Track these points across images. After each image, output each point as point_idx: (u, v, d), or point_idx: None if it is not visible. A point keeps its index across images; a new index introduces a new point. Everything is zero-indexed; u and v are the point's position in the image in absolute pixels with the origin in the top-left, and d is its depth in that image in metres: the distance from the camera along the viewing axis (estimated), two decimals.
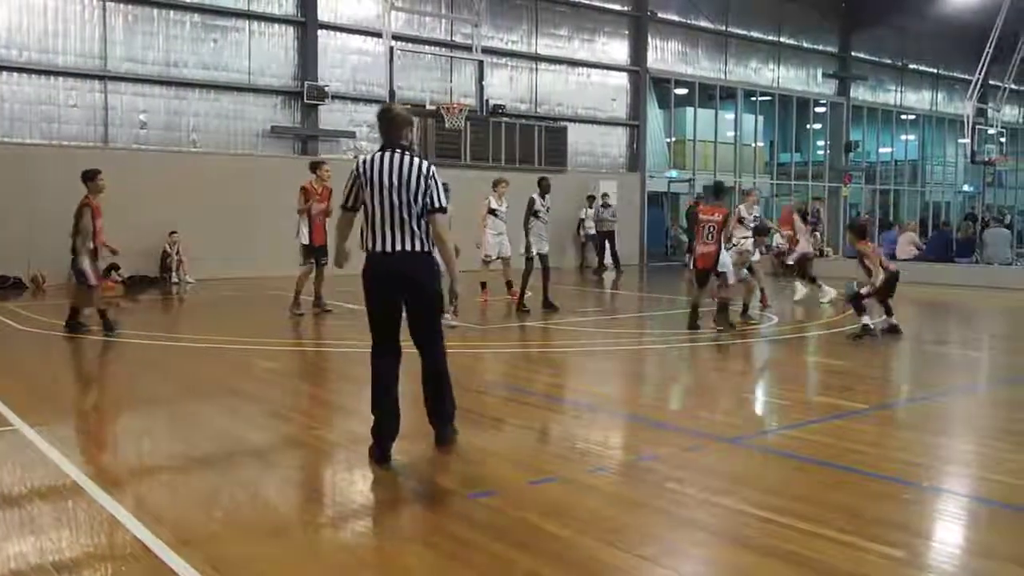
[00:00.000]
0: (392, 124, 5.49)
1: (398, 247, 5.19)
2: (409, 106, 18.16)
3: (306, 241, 12.88)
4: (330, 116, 20.54)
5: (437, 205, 5.32)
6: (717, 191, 12.24)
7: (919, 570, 3.90)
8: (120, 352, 9.81)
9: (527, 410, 6.96)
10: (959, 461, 5.79)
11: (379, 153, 5.33)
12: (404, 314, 5.35)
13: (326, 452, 5.88)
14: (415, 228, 5.23)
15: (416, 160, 5.38)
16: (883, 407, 7.28)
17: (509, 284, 13.63)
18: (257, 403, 7.21)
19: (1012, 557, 4.03)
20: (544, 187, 13.04)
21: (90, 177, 11.22)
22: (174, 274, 17.69)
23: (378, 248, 5.22)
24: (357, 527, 4.45)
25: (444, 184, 5.53)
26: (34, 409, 6.61)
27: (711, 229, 11.00)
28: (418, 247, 5.23)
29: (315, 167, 13.04)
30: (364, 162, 5.33)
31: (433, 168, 5.47)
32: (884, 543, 4.08)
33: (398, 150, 5.36)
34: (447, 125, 17.88)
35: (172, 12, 18.57)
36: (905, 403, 7.66)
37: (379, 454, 5.30)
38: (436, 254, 5.37)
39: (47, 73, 17.27)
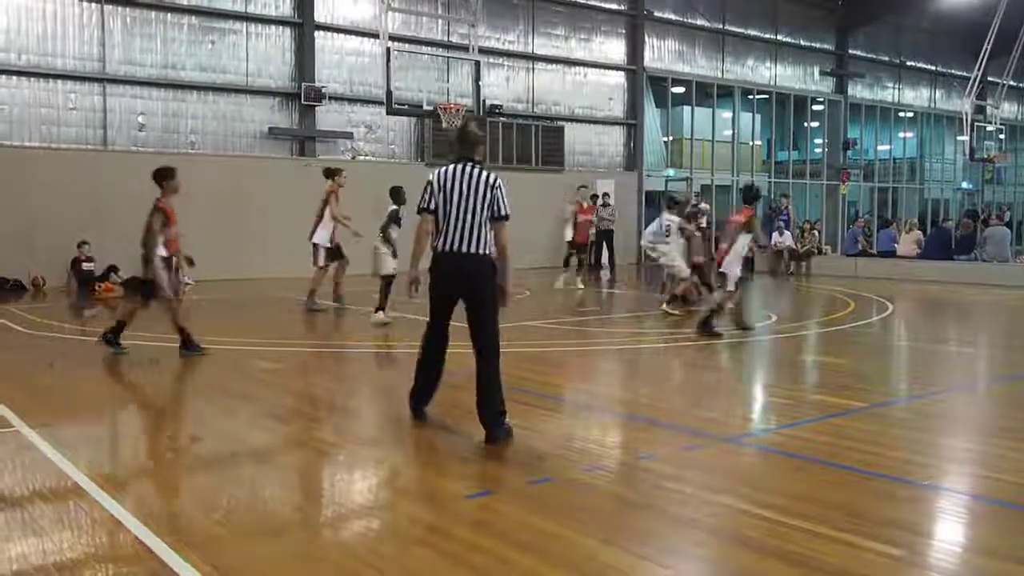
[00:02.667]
0: (464, 142, 6.47)
1: (464, 248, 5.89)
2: (406, 106, 18.22)
3: (330, 244, 13.32)
4: (327, 117, 20.55)
5: (502, 213, 6.01)
6: (748, 194, 11.81)
7: (919, 569, 3.92)
8: (120, 354, 9.80)
9: (525, 410, 6.96)
10: (959, 459, 5.81)
11: (453, 167, 6.21)
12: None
13: (326, 453, 5.89)
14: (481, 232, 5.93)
15: (484, 172, 6.19)
16: (882, 405, 7.29)
17: None
18: (257, 404, 7.22)
19: (1013, 555, 4.04)
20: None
21: (166, 176, 9.87)
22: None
23: (446, 248, 5.92)
24: (357, 528, 4.46)
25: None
26: (35, 411, 6.62)
27: (732, 231, 11.09)
28: (481, 250, 5.91)
29: (336, 173, 13.63)
30: (440, 173, 6.25)
31: (499, 179, 6.19)
32: (884, 542, 4.09)
33: (470, 164, 6.19)
34: (444, 125, 17.87)
35: (170, 15, 18.57)
36: (904, 401, 7.67)
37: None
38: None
39: (46, 76, 17.27)
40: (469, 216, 5.93)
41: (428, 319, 6.15)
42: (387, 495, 5.08)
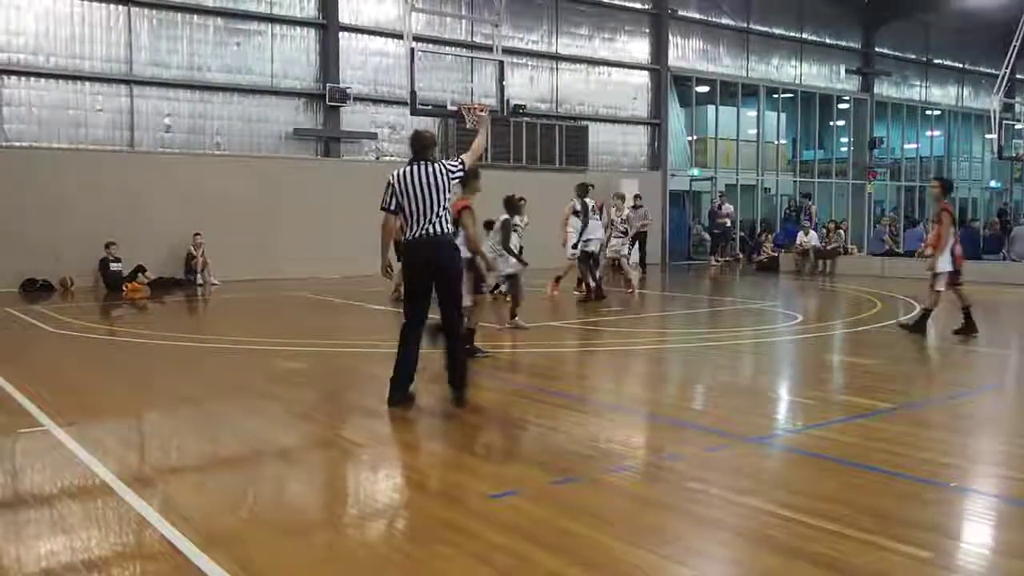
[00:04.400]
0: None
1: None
2: (430, 107, 18.24)
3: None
4: (352, 118, 20.64)
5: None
6: (951, 186, 11.35)
7: (947, 571, 3.87)
8: (147, 353, 9.90)
9: (550, 410, 6.96)
10: (987, 461, 5.74)
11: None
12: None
13: (350, 452, 5.91)
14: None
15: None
16: (909, 406, 7.22)
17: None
18: (282, 403, 7.26)
19: None
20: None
21: (475, 176, 9.97)
22: (199, 275, 17.84)
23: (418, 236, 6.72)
24: (381, 527, 4.47)
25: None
26: (64, 410, 6.69)
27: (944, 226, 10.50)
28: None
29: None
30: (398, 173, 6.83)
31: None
32: (911, 544, 4.05)
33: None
34: (468, 125, 17.88)
35: (195, 16, 18.73)
36: (932, 402, 7.59)
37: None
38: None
39: (74, 79, 17.47)
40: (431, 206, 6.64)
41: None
42: (411, 495, 5.09)
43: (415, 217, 6.63)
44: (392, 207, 6.74)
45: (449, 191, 6.74)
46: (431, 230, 6.62)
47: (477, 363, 8.58)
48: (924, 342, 10.58)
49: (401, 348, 6.81)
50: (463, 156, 7.02)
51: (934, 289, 10.65)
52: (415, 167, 6.71)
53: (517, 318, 10.97)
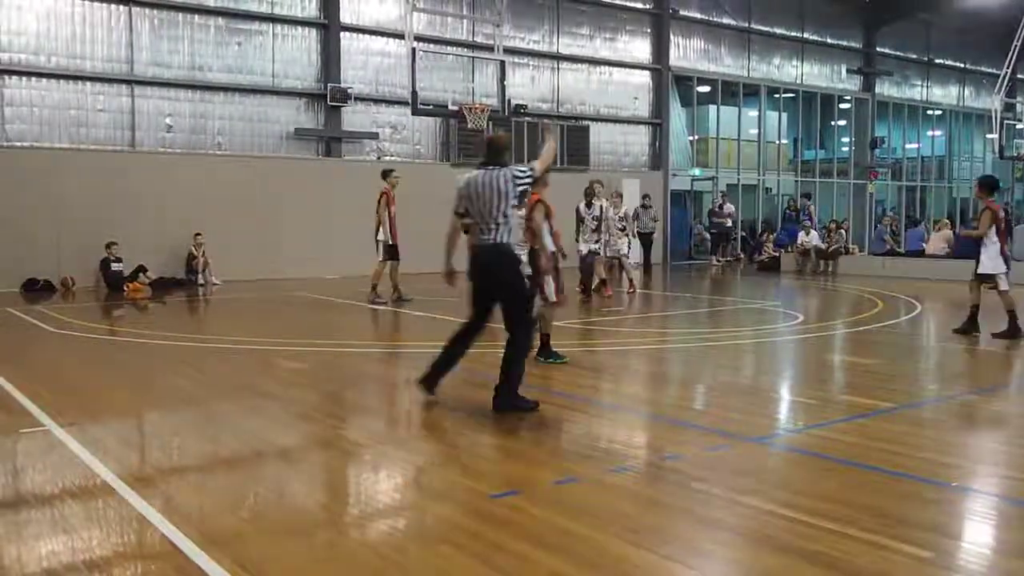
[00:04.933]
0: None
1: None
2: (431, 107, 18.26)
3: (392, 241, 14.06)
4: (353, 118, 20.64)
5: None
6: (992, 186, 11.07)
7: (948, 571, 3.87)
8: (148, 353, 9.91)
9: (551, 409, 6.96)
10: (988, 461, 5.74)
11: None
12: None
13: (351, 452, 5.91)
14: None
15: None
16: (910, 406, 7.22)
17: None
18: (283, 403, 7.27)
19: None
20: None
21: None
22: (200, 275, 17.84)
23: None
24: (382, 527, 4.47)
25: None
26: (65, 410, 6.70)
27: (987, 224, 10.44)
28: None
29: (389, 173, 14.36)
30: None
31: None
32: (912, 543, 4.05)
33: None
34: (469, 125, 17.89)
35: (196, 17, 18.73)
36: (933, 402, 7.58)
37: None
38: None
39: (75, 78, 17.48)
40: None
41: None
42: (412, 495, 5.09)
43: (477, 223, 6.67)
44: (461, 211, 6.81)
45: (513, 198, 6.61)
46: (489, 237, 6.61)
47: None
48: (925, 342, 10.56)
49: (447, 343, 6.94)
50: (533, 163, 6.84)
51: (1000, 291, 10.54)
52: (483, 172, 6.68)
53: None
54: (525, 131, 22.78)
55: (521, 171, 6.66)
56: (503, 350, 6.72)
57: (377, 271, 14.17)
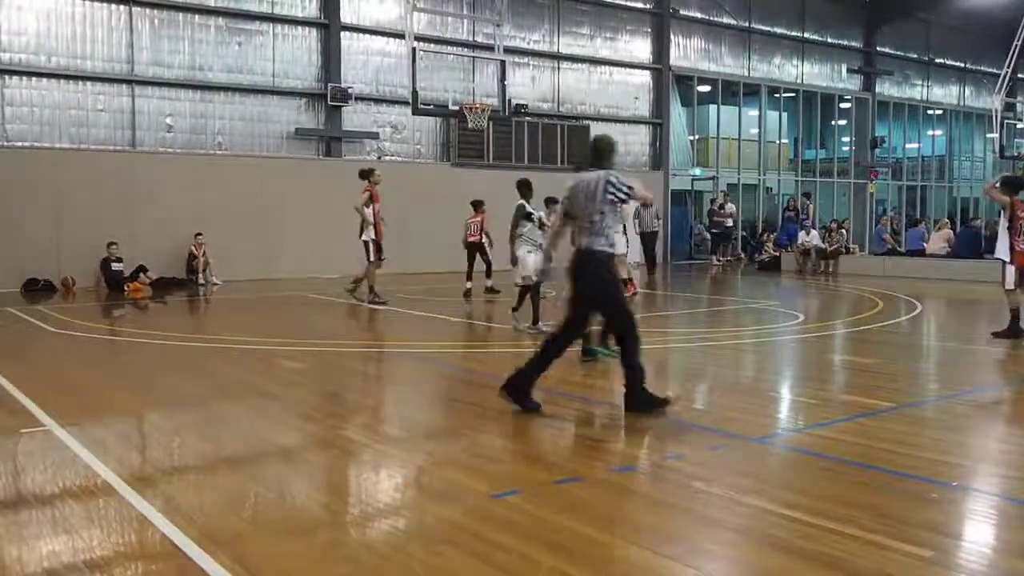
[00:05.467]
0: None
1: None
2: (432, 106, 18.27)
3: (375, 238, 13.92)
4: (354, 117, 20.65)
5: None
6: (1015, 184, 10.95)
7: (950, 570, 3.86)
8: (149, 353, 9.91)
9: (552, 409, 6.95)
10: (989, 460, 5.73)
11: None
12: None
13: (352, 452, 5.91)
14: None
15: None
16: (911, 405, 7.22)
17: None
18: (283, 403, 7.27)
19: None
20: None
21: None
22: (200, 275, 17.84)
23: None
24: (382, 527, 4.47)
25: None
26: (66, 409, 6.70)
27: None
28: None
29: (370, 173, 14.07)
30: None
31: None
32: (913, 543, 4.05)
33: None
34: (470, 125, 17.91)
35: (197, 16, 18.74)
36: (934, 401, 7.58)
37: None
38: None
39: (75, 78, 17.48)
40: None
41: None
42: (413, 494, 5.09)
43: (575, 226, 6.64)
44: (566, 212, 6.81)
45: (603, 204, 6.45)
46: (582, 240, 6.55)
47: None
48: (925, 341, 10.55)
49: (539, 349, 6.80)
50: (632, 182, 6.63)
51: (1005, 288, 10.58)
52: (584, 175, 6.64)
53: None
54: (525, 130, 22.79)
55: (619, 183, 6.48)
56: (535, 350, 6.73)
57: (370, 271, 14.14)
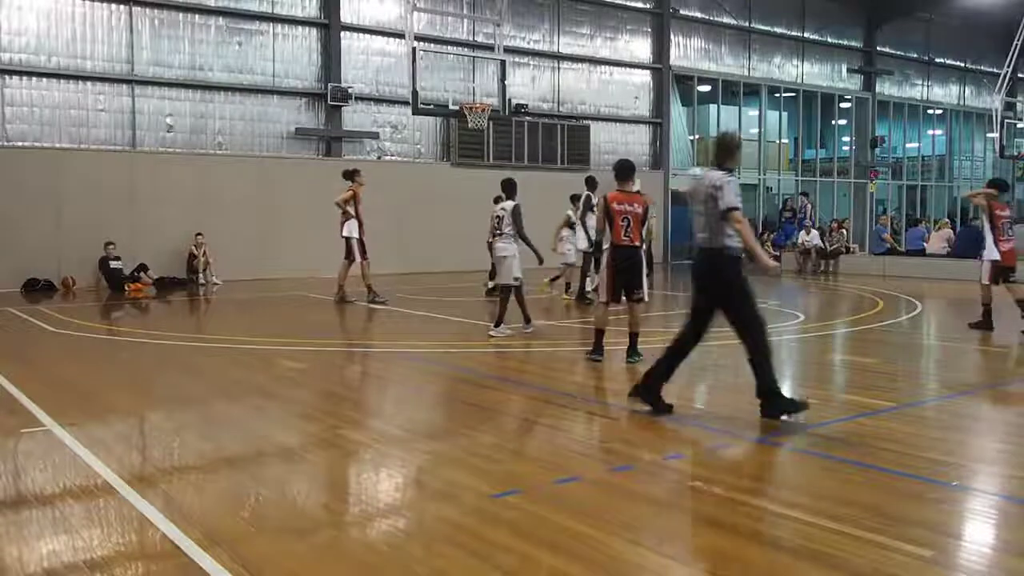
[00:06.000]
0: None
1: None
2: (432, 106, 18.26)
3: (358, 236, 13.94)
4: (354, 117, 20.65)
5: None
6: (1003, 187, 11.88)
7: (950, 570, 3.87)
8: (149, 353, 9.91)
9: (552, 409, 6.96)
10: (989, 459, 5.73)
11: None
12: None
13: (352, 452, 5.91)
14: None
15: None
16: (912, 405, 7.21)
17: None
18: (284, 403, 7.27)
19: None
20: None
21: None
22: (201, 275, 17.84)
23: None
24: (383, 526, 4.47)
25: None
26: (66, 409, 6.70)
27: (1008, 223, 11.14)
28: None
29: (355, 173, 14.19)
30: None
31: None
32: (914, 542, 4.05)
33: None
34: (470, 125, 17.90)
35: (197, 16, 18.74)
36: (934, 401, 7.58)
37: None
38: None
39: (75, 78, 17.48)
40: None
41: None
42: (413, 494, 5.09)
43: (696, 224, 6.52)
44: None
45: (711, 201, 6.31)
46: (702, 238, 6.44)
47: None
48: (926, 340, 10.56)
49: (667, 348, 6.65)
50: (737, 201, 6.35)
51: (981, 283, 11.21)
52: (703, 172, 6.60)
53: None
54: (525, 130, 22.78)
55: (726, 189, 6.30)
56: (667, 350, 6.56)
57: (364, 271, 14.11)
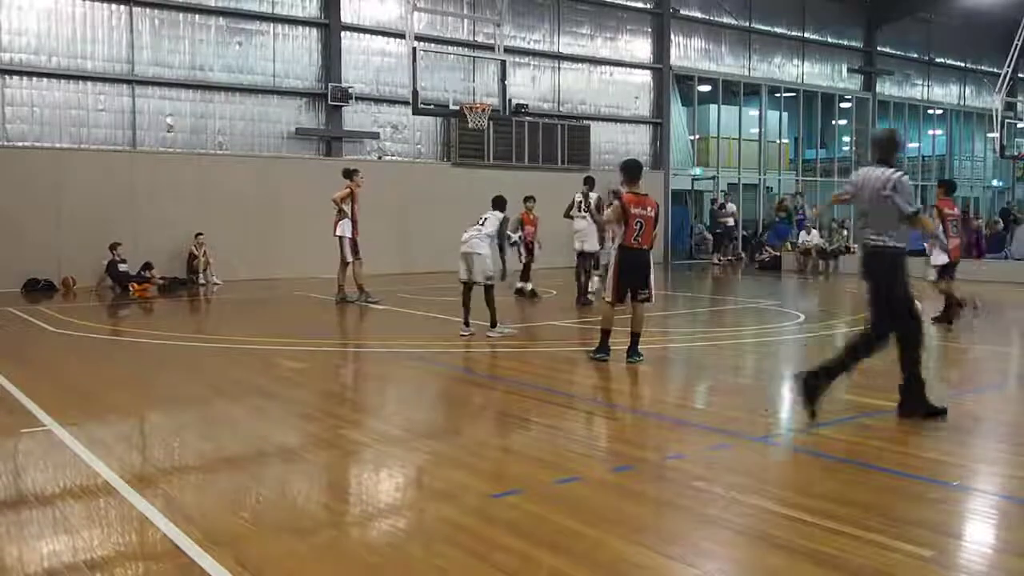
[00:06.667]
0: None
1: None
2: (432, 106, 18.25)
3: (351, 236, 13.95)
4: (354, 117, 20.64)
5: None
6: (951, 187, 12.57)
7: (950, 570, 3.87)
8: (149, 353, 9.91)
9: (553, 409, 6.96)
10: (990, 460, 5.73)
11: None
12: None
13: (352, 452, 5.91)
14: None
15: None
16: None
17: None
18: (284, 403, 7.27)
19: None
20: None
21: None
22: (201, 275, 17.84)
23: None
24: (383, 526, 4.47)
25: None
26: (66, 409, 6.70)
27: (954, 222, 11.76)
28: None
29: (355, 173, 14.17)
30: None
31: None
32: (914, 542, 4.05)
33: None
34: (470, 125, 17.89)
35: (197, 16, 18.73)
36: (933, 401, 7.57)
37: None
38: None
39: (75, 78, 17.47)
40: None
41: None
42: (413, 494, 5.09)
43: (862, 221, 6.54)
44: (845, 198, 6.94)
45: (884, 200, 6.30)
46: (868, 236, 6.41)
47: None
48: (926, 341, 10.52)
49: (843, 350, 6.55)
50: (917, 205, 6.43)
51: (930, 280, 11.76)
52: (869, 170, 6.57)
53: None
54: (526, 130, 22.78)
55: (904, 189, 6.31)
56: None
57: (356, 271, 14.09)
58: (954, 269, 11.70)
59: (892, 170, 6.42)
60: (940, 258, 11.55)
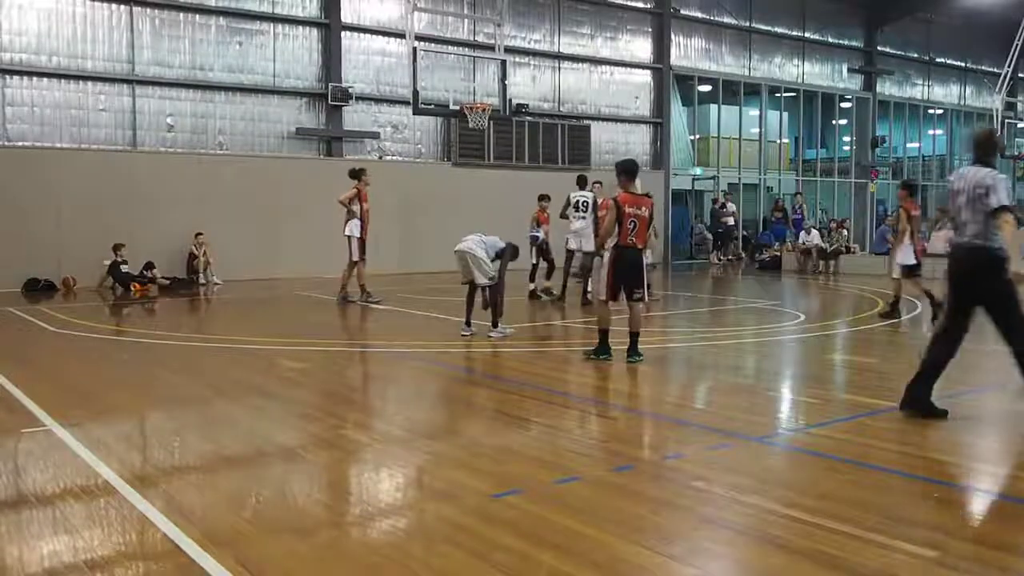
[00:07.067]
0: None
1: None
2: (433, 106, 18.26)
3: (359, 235, 13.98)
4: (354, 117, 20.64)
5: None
6: (911, 187, 13.00)
7: (952, 570, 3.86)
8: (149, 353, 9.91)
9: (553, 409, 6.96)
10: (991, 460, 5.74)
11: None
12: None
13: (353, 452, 5.91)
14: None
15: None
16: None
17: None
18: (284, 403, 7.27)
19: None
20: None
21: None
22: (201, 275, 17.84)
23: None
24: (384, 526, 4.47)
25: None
26: (66, 409, 6.70)
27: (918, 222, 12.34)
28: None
29: (362, 172, 14.23)
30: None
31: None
32: (915, 542, 4.04)
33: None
34: (470, 125, 17.90)
35: (198, 16, 18.74)
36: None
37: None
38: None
39: (76, 78, 17.48)
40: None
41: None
42: (414, 494, 5.09)
43: (958, 222, 6.39)
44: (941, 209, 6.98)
45: (978, 200, 6.17)
46: (963, 236, 6.25)
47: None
48: (926, 340, 10.53)
49: (927, 350, 6.54)
50: (1009, 208, 6.18)
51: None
52: (967, 169, 6.48)
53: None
54: (526, 130, 22.78)
55: (999, 187, 6.17)
56: None
57: (360, 271, 14.11)
58: (918, 267, 12.15)
59: (990, 170, 6.36)
60: (908, 257, 11.92)
